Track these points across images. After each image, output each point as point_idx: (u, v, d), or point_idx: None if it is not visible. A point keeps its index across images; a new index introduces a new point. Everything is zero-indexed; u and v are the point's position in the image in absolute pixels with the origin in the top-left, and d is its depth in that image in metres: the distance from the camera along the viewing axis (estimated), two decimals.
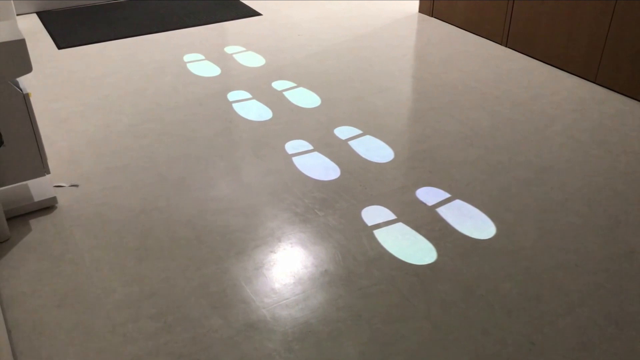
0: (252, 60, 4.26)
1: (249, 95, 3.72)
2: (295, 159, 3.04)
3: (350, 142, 3.20)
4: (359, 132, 3.31)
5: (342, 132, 3.30)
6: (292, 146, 3.16)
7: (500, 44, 4.47)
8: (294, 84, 3.87)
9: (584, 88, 3.81)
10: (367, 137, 3.25)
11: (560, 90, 3.79)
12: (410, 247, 2.44)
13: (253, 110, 3.54)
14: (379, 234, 2.52)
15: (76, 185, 2.84)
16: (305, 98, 3.68)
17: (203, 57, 4.31)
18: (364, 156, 3.07)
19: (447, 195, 2.77)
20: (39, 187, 2.72)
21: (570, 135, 3.26)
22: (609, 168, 2.97)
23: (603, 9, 3.66)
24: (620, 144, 3.17)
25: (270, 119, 3.43)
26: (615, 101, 3.63)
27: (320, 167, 2.98)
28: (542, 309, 2.15)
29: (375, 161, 3.03)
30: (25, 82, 2.54)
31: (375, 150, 3.12)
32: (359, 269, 2.33)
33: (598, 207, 2.68)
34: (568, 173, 2.93)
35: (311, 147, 3.16)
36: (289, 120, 3.42)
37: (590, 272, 2.32)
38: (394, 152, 3.11)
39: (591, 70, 3.85)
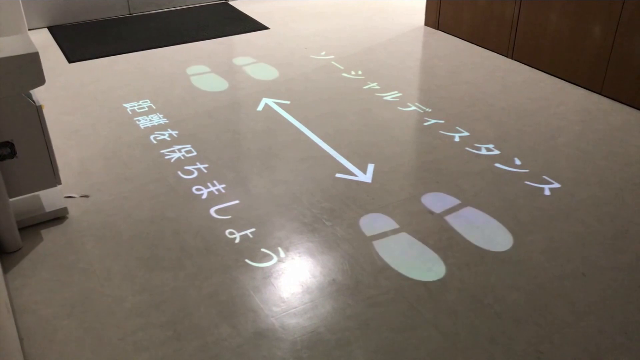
0: (260, 73, 4.30)
1: (256, 108, 3.76)
2: (302, 170, 3.06)
3: (357, 152, 3.23)
4: (367, 142, 3.33)
5: (350, 142, 3.33)
6: (299, 158, 3.19)
7: (506, 56, 4.50)
8: (302, 97, 3.91)
9: (589, 99, 3.82)
10: (375, 147, 3.28)
11: (566, 101, 3.81)
12: (418, 257, 2.46)
13: (260, 122, 3.58)
14: (386, 243, 2.54)
15: (87, 196, 2.88)
16: (312, 110, 3.71)
17: (211, 70, 4.36)
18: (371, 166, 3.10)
19: (455, 205, 2.79)
20: (50, 198, 2.76)
21: (576, 146, 3.28)
22: (615, 178, 2.98)
23: (608, 20, 3.68)
24: (627, 155, 3.18)
25: (276, 132, 3.47)
26: (621, 112, 3.64)
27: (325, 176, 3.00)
28: (550, 318, 2.15)
29: (383, 171, 3.05)
30: (38, 94, 2.58)
31: (382, 161, 3.14)
32: (367, 279, 2.34)
33: (605, 218, 2.69)
34: (575, 184, 2.94)
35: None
36: (296, 132, 3.45)
37: (598, 282, 2.32)
38: (401, 163, 3.13)
39: (597, 81, 3.87)
